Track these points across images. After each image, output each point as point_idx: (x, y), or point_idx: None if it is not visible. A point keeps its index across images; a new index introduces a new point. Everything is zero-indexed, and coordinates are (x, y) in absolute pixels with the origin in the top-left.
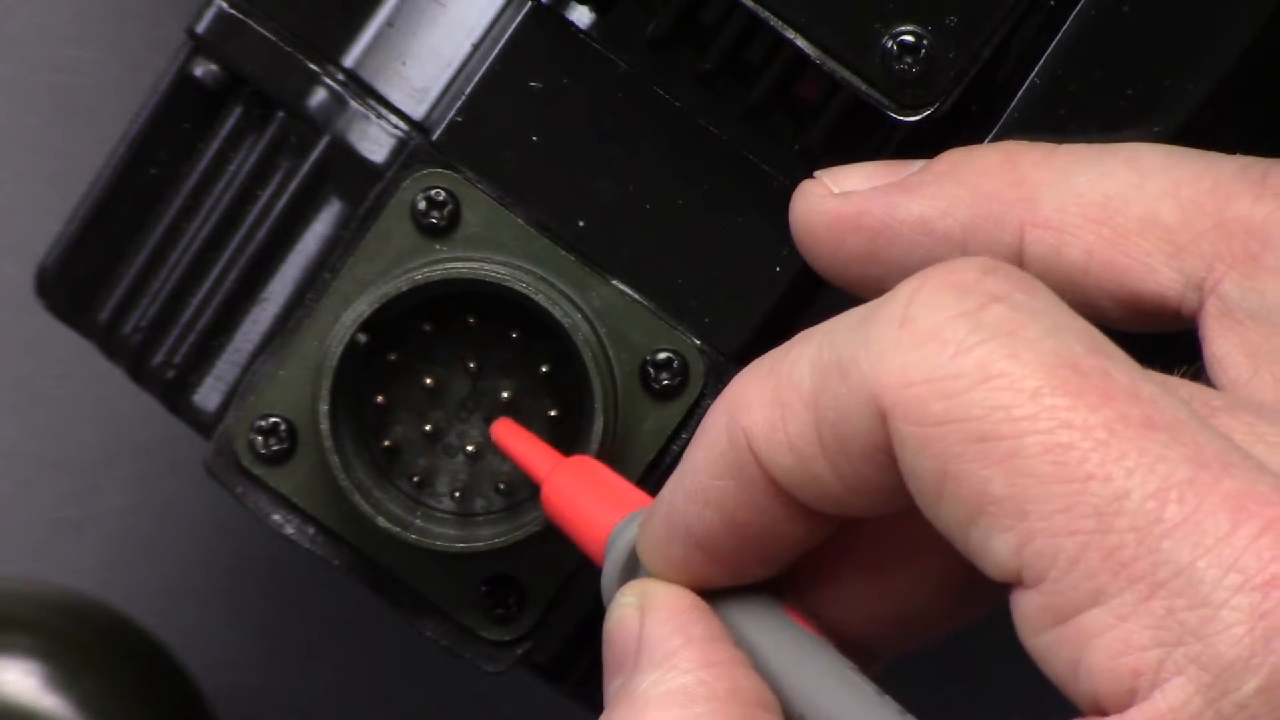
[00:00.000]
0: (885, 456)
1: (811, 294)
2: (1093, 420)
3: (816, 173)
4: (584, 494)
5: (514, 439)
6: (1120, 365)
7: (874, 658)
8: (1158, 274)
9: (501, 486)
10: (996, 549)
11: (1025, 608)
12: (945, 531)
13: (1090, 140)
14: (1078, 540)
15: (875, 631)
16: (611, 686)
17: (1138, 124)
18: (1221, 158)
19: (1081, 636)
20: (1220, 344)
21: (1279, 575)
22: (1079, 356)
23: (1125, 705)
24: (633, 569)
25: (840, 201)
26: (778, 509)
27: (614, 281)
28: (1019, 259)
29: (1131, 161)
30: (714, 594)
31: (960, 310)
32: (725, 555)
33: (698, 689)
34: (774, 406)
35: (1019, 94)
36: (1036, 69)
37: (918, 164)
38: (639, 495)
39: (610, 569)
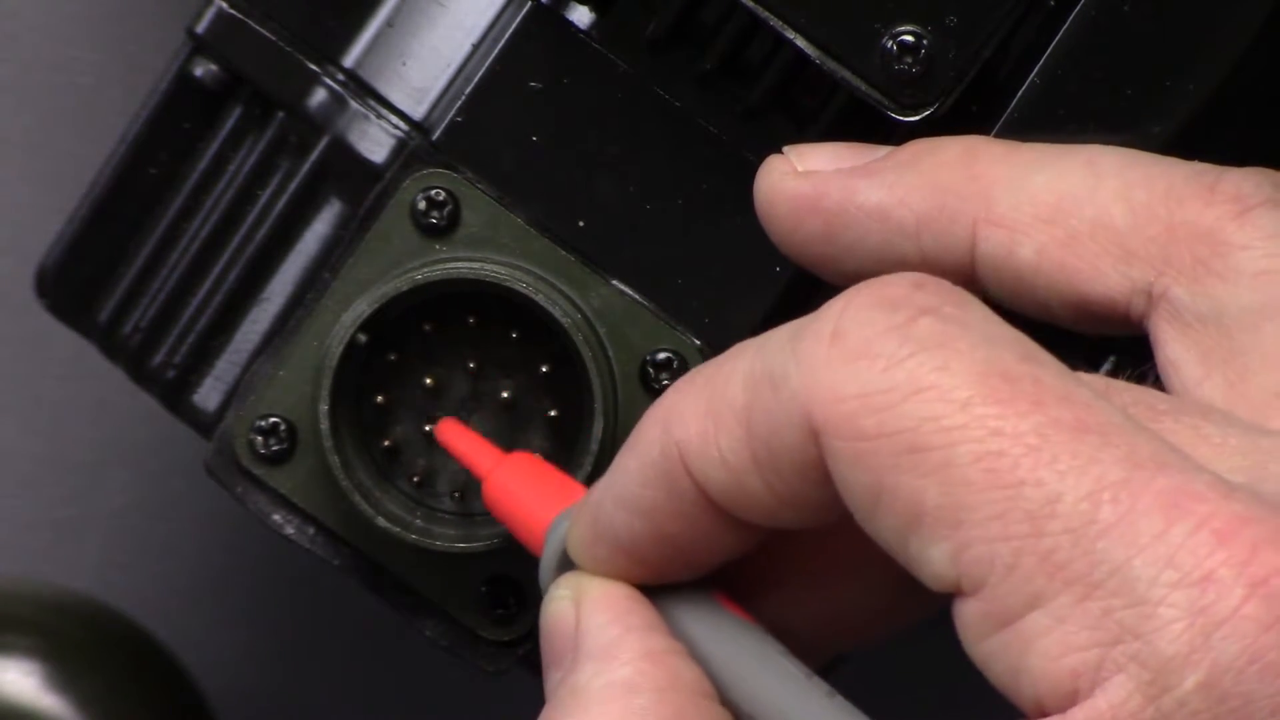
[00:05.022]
0: (817, 471)
1: (811, 294)
2: (1023, 426)
3: (785, 148)
4: (525, 489)
5: (457, 438)
6: (1052, 371)
7: (817, 654)
8: (1106, 277)
9: None
10: (934, 559)
11: (966, 616)
12: (884, 544)
13: (1090, 140)
14: (1013, 546)
15: (815, 630)
16: (552, 680)
17: (1137, 124)
18: (1177, 163)
19: (1022, 641)
20: (1172, 348)
21: (1215, 571)
22: (1009, 365)
23: (1067, 706)
24: (568, 563)
25: (801, 181)
26: (708, 521)
27: (614, 281)
28: (971, 254)
29: (1089, 163)
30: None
31: (890, 324)
32: (651, 561)
33: (639, 680)
34: (706, 420)
35: (1019, 94)
36: (1036, 69)
37: (884, 150)
38: (579, 489)
39: (546, 563)
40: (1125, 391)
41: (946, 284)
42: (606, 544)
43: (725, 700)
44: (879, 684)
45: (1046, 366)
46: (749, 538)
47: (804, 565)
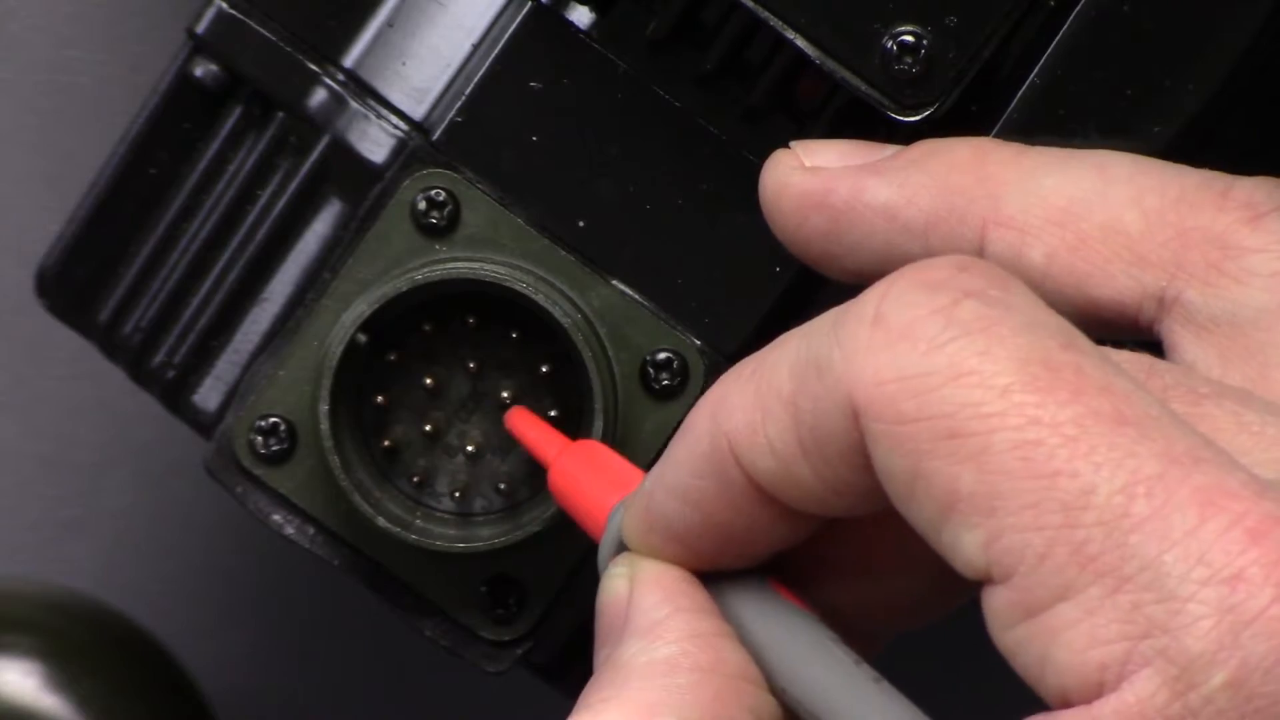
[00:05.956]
0: (862, 457)
1: (811, 294)
2: (1061, 416)
3: (792, 143)
4: (588, 476)
5: (525, 425)
6: (1093, 360)
7: (870, 638)
8: (1116, 282)
9: (501, 487)
10: (966, 546)
11: (995, 604)
12: (919, 529)
13: (1090, 141)
14: (1045, 536)
15: (867, 615)
16: (599, 656)
17: (1137, 124)
18: (1188, 170)
19: (1049, 631)
20: (1189, 351)
21: (1246, 569)
22: (1051, 352)
23: (1092, 699)
24: (624, 550)
25: (809, 176)
26: (758, 510)
27: (614, 281)
28: (979, 256)
29: (1099, 168)
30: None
31: (933, 307)
32: (704, 549)
33: (681, 659)
34: (754, 410)
35: (1019, 94)
36: (1036, 69)
37: (892, 148)
38: (640, 476)
39: (604, 549)
40: (1167, 373)
41: (991, 266)
42: (659, 533)
43: (773, 686)
44: (918, 666)
45: (1088, 355)
46: (801, 526)
47: (857, 552)
